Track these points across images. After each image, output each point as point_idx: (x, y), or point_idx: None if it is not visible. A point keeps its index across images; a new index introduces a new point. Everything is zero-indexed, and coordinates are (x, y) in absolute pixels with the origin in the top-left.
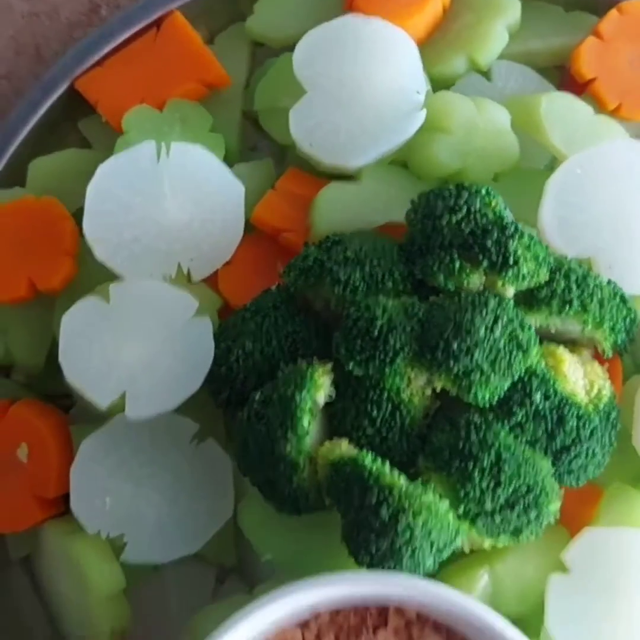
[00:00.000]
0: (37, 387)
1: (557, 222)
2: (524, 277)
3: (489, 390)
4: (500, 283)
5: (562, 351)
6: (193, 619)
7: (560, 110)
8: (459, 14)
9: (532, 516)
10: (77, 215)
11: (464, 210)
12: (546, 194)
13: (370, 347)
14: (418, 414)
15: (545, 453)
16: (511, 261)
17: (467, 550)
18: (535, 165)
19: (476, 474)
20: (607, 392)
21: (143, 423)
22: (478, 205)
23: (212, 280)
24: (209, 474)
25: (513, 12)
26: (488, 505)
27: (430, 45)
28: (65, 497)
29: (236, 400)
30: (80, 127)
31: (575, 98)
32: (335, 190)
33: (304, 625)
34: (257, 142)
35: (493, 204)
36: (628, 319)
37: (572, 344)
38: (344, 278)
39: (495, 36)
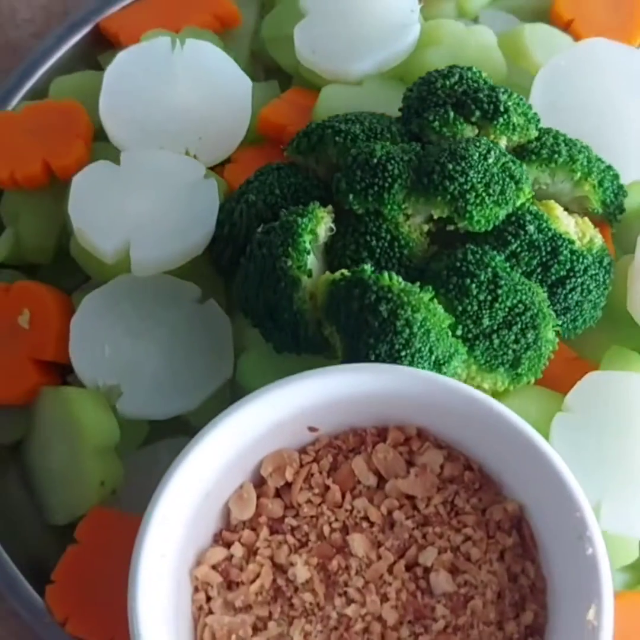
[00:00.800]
0: (45, 281)
1: (546, 106)
2: (514, 128)
3: (484, 214)
4: (492, 133)
5: (553, 203)
6: None
7: (542, 37)
8: None
9: (530, 339)
10: (94, 123)
11: (457, 76)
12: (536, 83)
13: (370, 176)
14: (417, 249)
15: (541, 286)
16: (502, 109)
17: None
18: None
19: (473, 288)
20: (599, 242)
21: (145, 284)
22: (470, 74)
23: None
24: (209, 333)
25: None
26: (486, 322)
27: None
28: (63, 372)
29: (238, 258)
30: (99, 60)
31: (556, 29)
32: (337, 89)
33: (301, 450)
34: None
35: (483, 75)
36: (615, 183)
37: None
38: (344, 128)
39: None
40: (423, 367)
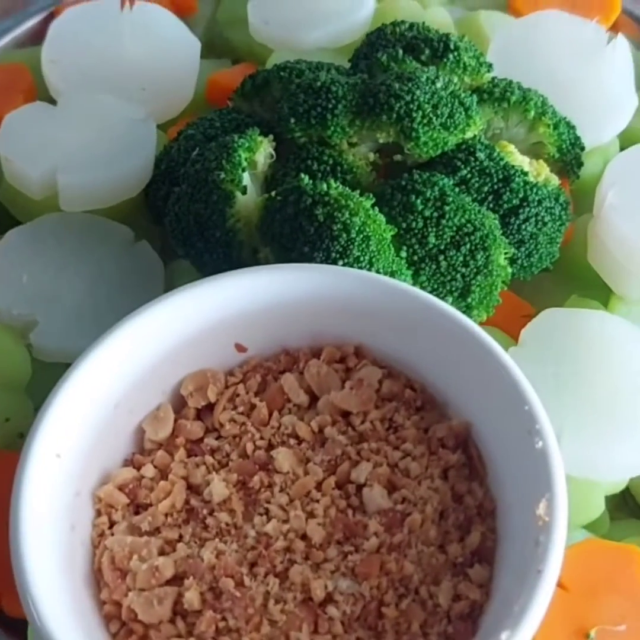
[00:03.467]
0: None
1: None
2: (465, 67)
3: (431, 135)
4: (442, 72)
5: (506, 142)
6: None
7: (498, 21)
8: None
9: (480, 262)
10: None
11: (408, 24)
12: (489, 54)
13: (313, 98)
14: (362, 179)
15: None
16: (452, 47)
17: None
18: None
19: (419, 204)
20: (554, 182)
21: (74, 222)
22: (421, 25)
23: None
24: (138, 274)
25: None
26: (431, 241)
27: None
28: None
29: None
30: None
31: (511, 17)
32: (287, 54)
33: (228, 372)
34: None
35: (435, 28)
36: (571, 131)
37: None
38: (290, 65)
39: None
40: None
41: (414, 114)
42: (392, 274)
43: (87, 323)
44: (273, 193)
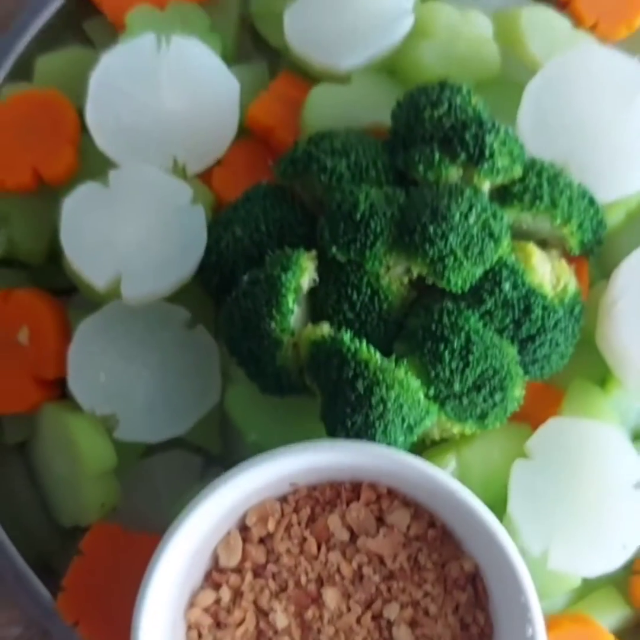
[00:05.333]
0: (39, 280)
1: (533, 126)
2: (498, 172)
3: (462, 276)
4: (476, 177)
5: (531, 246)
6: (180, 500)
7: (539, 22)
8: None
9: (497, 399)
10: (80, 112)
11: (445, 105)
12: (525, 98)
13: (352, 231)
14: (396, 302)
15: (512, 341)
16: (487, 154)
17: (437, 436)
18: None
19: (446, 355)
20: (572, 288)
21: (137, 308)
22: (459, 102)
23: (206, 180)
24: (197, 358)
25: None
26: (457, 387)
27: None
28: (62, 383)
29: (226, 286)
30: (85, 27)
31: (555, 11)
32: (326, 90)
33: (283, 499)
34: (252, 54)
35: (473, 101)
36: (595, 220)
37: (542, 245)
38: (330, 166)
39: None
40: (395, 434)
41: (446, 261)
42: (422, 419)
43: (159, 413)
44: (319, 337)
